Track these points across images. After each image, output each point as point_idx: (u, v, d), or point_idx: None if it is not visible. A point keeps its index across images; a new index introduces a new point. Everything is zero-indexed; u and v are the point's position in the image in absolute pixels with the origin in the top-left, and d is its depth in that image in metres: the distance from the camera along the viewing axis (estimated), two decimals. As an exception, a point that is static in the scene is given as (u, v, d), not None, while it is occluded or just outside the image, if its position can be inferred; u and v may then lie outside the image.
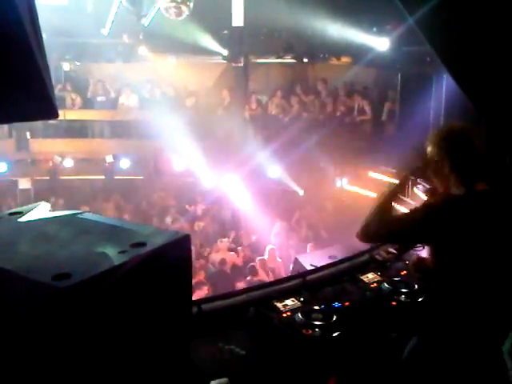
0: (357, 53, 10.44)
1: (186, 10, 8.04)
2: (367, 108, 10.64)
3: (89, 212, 1.98)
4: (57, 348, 1.33)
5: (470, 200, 2.33)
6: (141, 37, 11.21)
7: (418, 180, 2.96)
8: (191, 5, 8.06)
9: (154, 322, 1.53)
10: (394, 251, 4.21)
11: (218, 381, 2.29)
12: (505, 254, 2.30)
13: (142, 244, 1.56)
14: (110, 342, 1.41)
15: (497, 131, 3.05)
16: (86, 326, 1.35)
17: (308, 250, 8.45)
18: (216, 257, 8.51)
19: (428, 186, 2.85)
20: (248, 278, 7.49)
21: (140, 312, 1.48)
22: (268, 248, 8.44)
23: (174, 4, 7.88)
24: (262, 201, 9.94)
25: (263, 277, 7.60)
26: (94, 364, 1.37)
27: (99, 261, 1.48)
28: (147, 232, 1.72)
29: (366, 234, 2.52)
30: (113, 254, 1.51)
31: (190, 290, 1.70)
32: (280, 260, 8.39)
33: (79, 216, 1.89)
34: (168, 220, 10.08)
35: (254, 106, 11.65)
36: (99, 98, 11.66)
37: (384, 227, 2.51)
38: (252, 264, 7.97)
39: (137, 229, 1.78)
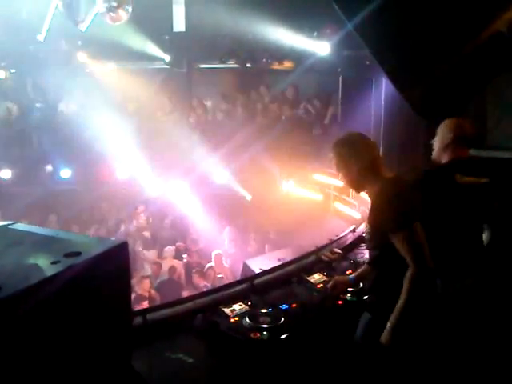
0: (299, 57, 10.57)
1: (124, 15, 7.87)
2: (312, 111, 10.81)
3: (22, 223, 1.90)
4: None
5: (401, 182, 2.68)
6: (79, 43, 10.92)
7: None
8: (130, 9, 7.91)
9: (91, 332, 1.48)
10: (339, 251, 4.28)
11: None
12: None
13: (77, 253, 1.50)
14: (44, 354, 1.35)
15: (432, 127, 3.21)
16: (17, 341, 1.29)
17: (257, 254, 8.45)
18: (163, 264, 8.39)
19: None
20: (201, 285, 7.42)
21: (76, 322, 1.42)
22: (214, 253, 8.39)
23: (111, 9, 7.70)
24: (210, 207, 9.88)
25: (213, 283, 7.55)
26: (28, 377, 1.31)
27: (31, 272, 1.42)
28: (82, 241, 1.67)
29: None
30: (45, 265, 1.45)
31: (128, 298, 1.66)
32: (227, 265, 8.35)
33: (10, 227, 1.81)
34: (113, 229, 9.85)
35: (198, 111, 11.58)
36: (38, 105, 11.28)
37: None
38: (197, 269, 7.91)
39: (72, 238, 1.72)
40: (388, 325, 2.53)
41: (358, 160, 2.65)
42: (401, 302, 2.49)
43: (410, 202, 2.58)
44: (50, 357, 1.40)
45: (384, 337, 2.54)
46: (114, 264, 1.57)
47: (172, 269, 8.06)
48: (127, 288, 1.64)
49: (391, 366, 2.67)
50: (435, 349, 2.83)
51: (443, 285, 3.03)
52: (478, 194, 3.05)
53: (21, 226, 1.84)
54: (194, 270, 7.94)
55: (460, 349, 3.06)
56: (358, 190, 2.80)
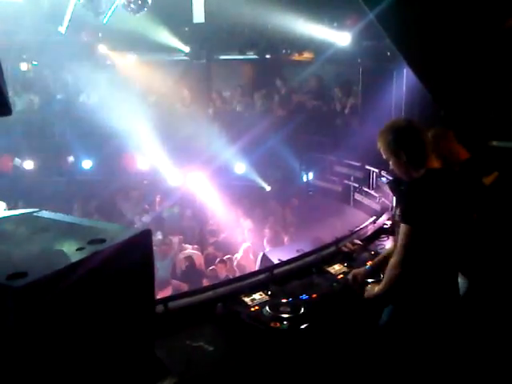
0: (319, 48, 10.50)
1: (144, 6, 7.93)
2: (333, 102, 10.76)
3: (46, 210, 1.93)
4: (13, 349, 1.28)
5: (431, 177, 2.60)
6: (100, 35, 11.00)
7: (382, 172, 3.09)
8: (150, 1, 7.95)
9: (114, 319, 1.49)
10: (360, 242, 4.26)
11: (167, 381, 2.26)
12: (462, 223, 2.59)
13: (101, 240, 1.52)
14: (69, 340, 1.37)
15: (454, 119, 3.14)
16: (43, 325, 1.31)
17: (276, 245, 8.46)
18: (182, 254, 8.44)
19: (391, 178, 2.98)
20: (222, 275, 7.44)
21: (100, 309, 1.44)
22: (244, 246, 8.39)
23: (132, 0, 7.75)
24: (229, 198, 9.90)
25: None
26: (52, 362, 1.33)
27: (56, 258, 1.44)
28: (107, 228, 1.69)
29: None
30: (70, 252, 1.47)
31: (152, 286, 1.67)
32: (252, 257, 8.35)
33: (36, 214, 1.84)
34: (134, 219, 9.93)
35: (217, 102, 11.59)
36: (59, 97, 11.41)
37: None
38: (222, 259, 7.93)
39: (96, 226, 1.74)
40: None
41: (405, 147, 2.61)
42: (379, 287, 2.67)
43: (430, 201, 2.50)
44: (74, 343, 1.42)
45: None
46: (138, 251, 1.59)
47: (189, 258, 8.09)
48: (151, 275, 1.66)
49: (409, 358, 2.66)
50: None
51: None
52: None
53: (46, 214, 1.86)
54: (217, 260, 7.96)
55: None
56: (408, 177, 2.72)
